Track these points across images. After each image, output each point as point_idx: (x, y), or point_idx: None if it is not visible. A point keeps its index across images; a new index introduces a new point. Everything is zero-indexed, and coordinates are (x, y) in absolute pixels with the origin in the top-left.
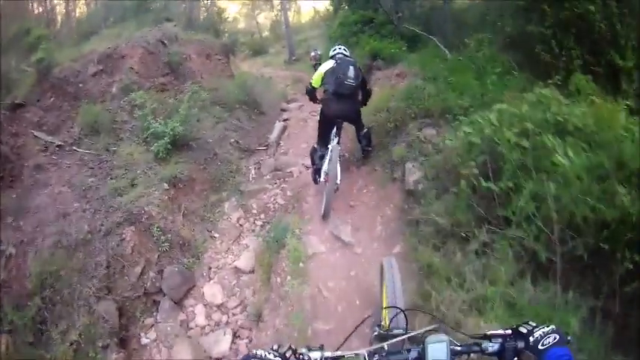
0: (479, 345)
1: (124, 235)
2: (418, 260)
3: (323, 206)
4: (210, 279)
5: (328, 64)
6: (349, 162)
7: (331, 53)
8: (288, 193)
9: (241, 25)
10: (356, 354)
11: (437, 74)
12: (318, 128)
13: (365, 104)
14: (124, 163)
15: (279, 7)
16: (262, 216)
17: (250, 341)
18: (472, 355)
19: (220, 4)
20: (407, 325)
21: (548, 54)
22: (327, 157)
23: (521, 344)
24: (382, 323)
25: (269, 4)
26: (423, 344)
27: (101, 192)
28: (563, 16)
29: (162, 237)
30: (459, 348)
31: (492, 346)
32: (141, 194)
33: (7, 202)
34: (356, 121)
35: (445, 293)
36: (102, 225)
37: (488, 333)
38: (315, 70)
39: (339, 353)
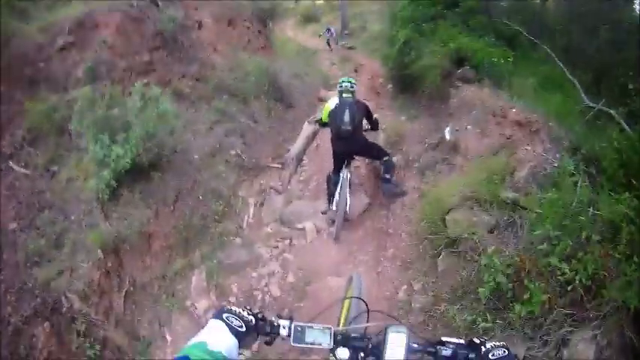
0: (434, 347)
1: (34, 339)
2: None
3: (334, 231)
4: None
5: (334, 102)
6: None
7: (338, 87)
8: (289, 278)
9: None
10: (324, 327)
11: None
12: (332, 157)
13: (376, 129)
14: (58, 197)
15: None
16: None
17: None
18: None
19: None
20: (368, 318)
21: None
22: (339, 186)
23: (472, 354)
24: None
25: None
26: (384, 332)
27: (19, 254)
28: None
29: (87, 342)
30: (415, 346)
31: (445, 351)
32: (64, 266)
33: None
34: (365, 152)
35: None
36: (10, 316)
37: (443, 339)
38: (328, 44)
39: (308, 324)
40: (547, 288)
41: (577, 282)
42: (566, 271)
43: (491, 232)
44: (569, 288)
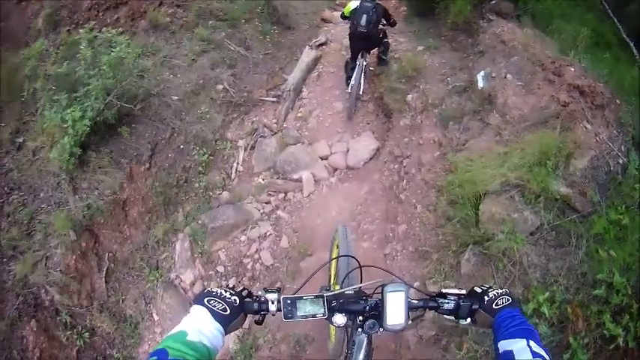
0: (435, 301)
1: (24, 340)
2: None
3: (347, 110)
4: None
5: (355, 3)
6: None
7: None
8: (283, 243)
9: None
10: (315, 296)
11: None
12: (350, 49)
13: (394, 25)
14: (26, 174)
15: None
16: (231, 283)
17: None
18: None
19: None
20: (361, 276)
21: None
22: (355, 70)
23: (475, 305)
24: (329, 274)
25: None
26: (382, 293)
27: None
28: None
29: (74, 332)
30: (415, 302)
31: (448, 304)
32: (38, 256)
33: None
34: (375, 47)
35: None
36: None
37: (444, 291)
38: None
39: (297, 295)
40: (590, 345)
41: (621, 342)
42: (617, 331)
43: (532, 234)
44: (610, 347)
